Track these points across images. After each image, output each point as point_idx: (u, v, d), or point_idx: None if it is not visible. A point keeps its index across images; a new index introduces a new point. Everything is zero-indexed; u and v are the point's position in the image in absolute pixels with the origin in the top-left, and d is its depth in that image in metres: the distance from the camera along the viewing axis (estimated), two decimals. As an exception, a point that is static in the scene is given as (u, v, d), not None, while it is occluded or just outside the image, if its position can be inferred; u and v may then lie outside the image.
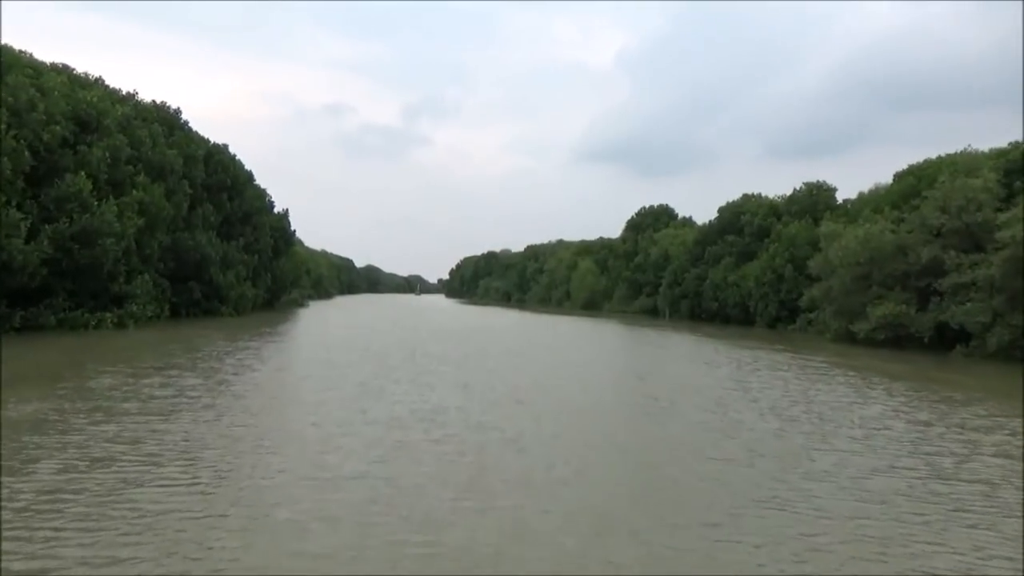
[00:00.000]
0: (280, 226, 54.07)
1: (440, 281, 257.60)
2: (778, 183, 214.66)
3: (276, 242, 52.45)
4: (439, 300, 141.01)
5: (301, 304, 63.04)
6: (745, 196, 60.85)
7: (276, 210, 56.44)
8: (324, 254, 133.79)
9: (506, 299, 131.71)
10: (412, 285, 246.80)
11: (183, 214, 37.52)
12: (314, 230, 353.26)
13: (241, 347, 19.67)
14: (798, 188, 55.51)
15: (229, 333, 25.35)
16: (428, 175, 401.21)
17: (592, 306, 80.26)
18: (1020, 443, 9.96)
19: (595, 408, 12.06)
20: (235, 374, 14.49)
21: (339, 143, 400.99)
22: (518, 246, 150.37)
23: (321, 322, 36.44)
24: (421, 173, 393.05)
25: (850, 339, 30.10)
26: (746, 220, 56.17)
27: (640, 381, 15.50)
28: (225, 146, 46.31)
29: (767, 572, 5.45)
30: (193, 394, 11.90)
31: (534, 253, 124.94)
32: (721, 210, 60.49)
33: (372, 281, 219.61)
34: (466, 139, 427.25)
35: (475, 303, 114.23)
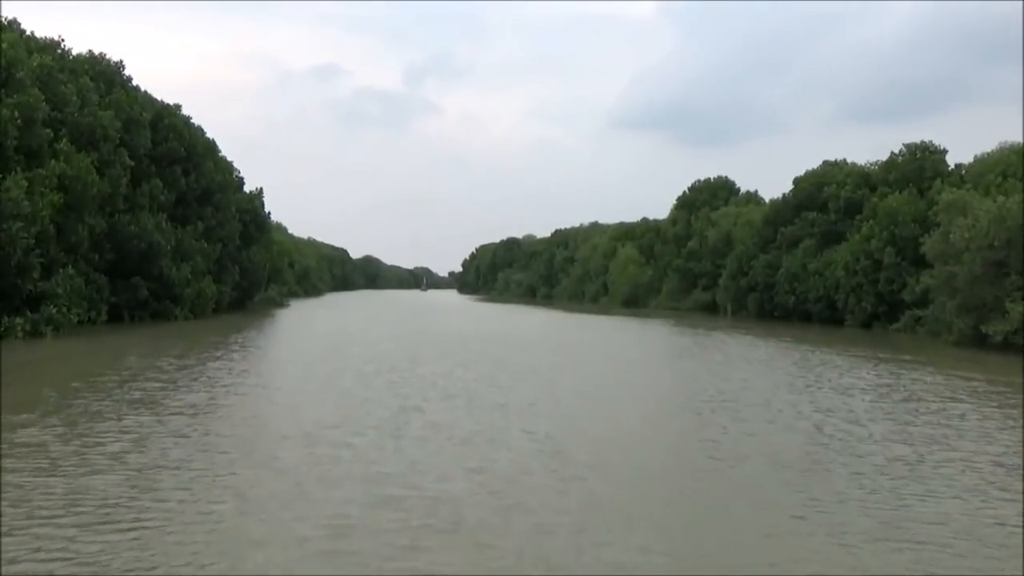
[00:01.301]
0: (251, 207, 52.10)
1: (451, 274, 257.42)
2: (857, 151, 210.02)
3: (246, 227, 50.54)
4: (450, 297, 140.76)
5: (280, 303, 61.77)
6: (827, 164, 58.24)
7: (248, 189, 55.03)
8: (312, 243, 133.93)
9: (530, 294, 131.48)
10: (418, 279, 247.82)
11: (123, 191, 35.47)
12: (300, 215, 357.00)
13: (152, 375, 16.54)
14: (897, 151, 52.27)
15: (158, 345, 23.54)
16: (436, 148, 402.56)
17: (635, 302, 79.80)
18: None
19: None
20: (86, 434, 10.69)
21: (330, 112, 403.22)
22: (544, 231, 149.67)
23: (295, 330, 34.91)
24: (427, 146, 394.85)
25: (978, 342, 28.19)
26: (830, 193, 53.34)
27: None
28: (178, 107, 44.18)
29: None
30: None
31: (563, 239, 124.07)
32: (798, 181, 57.85)
33: (371, 275, 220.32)
34: (481, 105, 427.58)
35: (493, 300, 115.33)
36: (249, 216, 51.45)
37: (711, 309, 65.04)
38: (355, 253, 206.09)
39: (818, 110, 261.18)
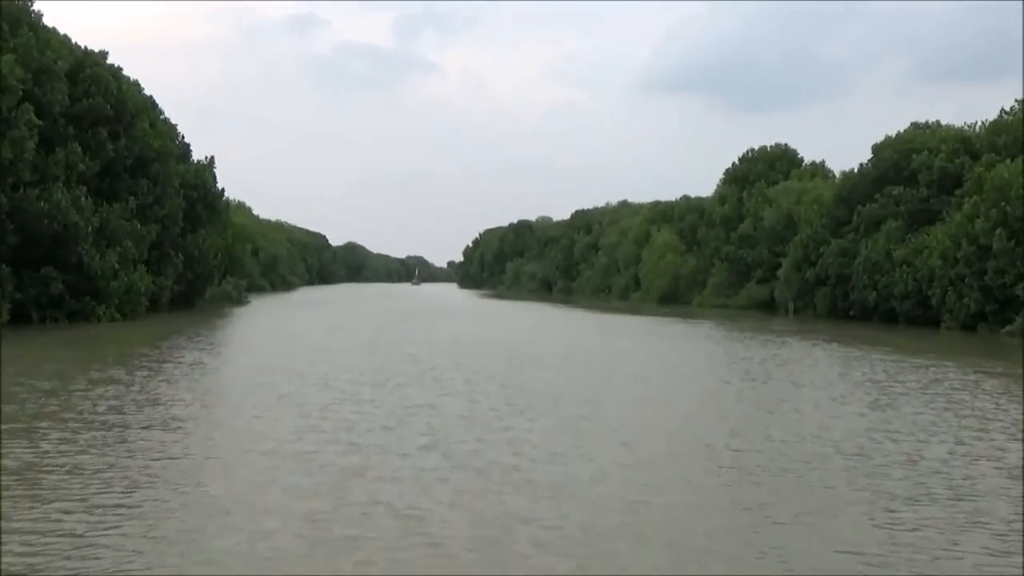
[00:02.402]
0: (199, 181, 49.71)
1: (451, 265, 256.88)
2: (937, 115, 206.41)
3: (193, 206, 48.32)
4: (448, 292, 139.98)
5: (238, 300, 60.25)
6: (915, 127, 56.20)
7: (196, 159, 52.96)
8: (282, 227, 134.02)
9: (545, 289, 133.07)
10: (410, 271, 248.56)
11: (29, 159, 33.04)
12: (268, 193, 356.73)
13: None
14: (1007, 109, 49.50)
15: (40, 360, 20.55)
16: (433, 115, 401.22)
17: (673, 298, 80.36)
18: None
19: None
20: None
21: (306, 71, 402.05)
22: (562, 213, 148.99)
23: (240, 340, 32.56)
24: (423, 112, 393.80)
25: None
26: (920, 162, 51.27)
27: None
28: (103, 55, 41.55)
29: None
30: None
31: (585, 222, 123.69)
32: (878, 149, 56.04)
33: (354, 265, 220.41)
34: (487, 63, 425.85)
35: (500, 296, 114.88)
36: (197, 192, 49.15)
37: (768, 307, 65.17)
38: (335, 239, 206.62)
39: (889, 67, 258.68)
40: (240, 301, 61.13)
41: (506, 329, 39.87)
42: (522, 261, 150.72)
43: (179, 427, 12.79)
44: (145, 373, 19.27)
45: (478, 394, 17.13)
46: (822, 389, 18.78)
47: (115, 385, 17.06)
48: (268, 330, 37.31)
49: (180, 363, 21.65)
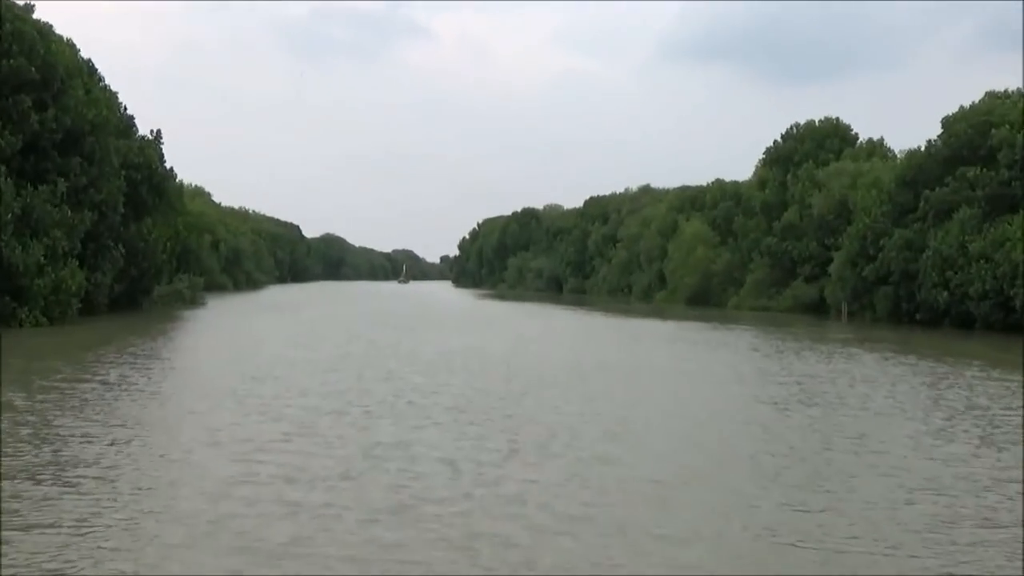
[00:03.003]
0: (144, 160, 48.27)
1: (444, 260, 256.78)
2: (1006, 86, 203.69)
3: (136, 189, 47.14)
4: (441, 291, 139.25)
5: (193, 301, 59.89)
6: (992, 96, 55.05)
7: (142, 134, 51.99)
8: (248, 216, 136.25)
9: (554, 288, 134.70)
10: (397, 267, 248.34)
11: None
12: (232, 177, 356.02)
13: None
14: None
15: None
16: (425, 87, 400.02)
17: (704, 299, 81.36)
18: None
19: None
20: None
21: (278, 36, 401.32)
22: (573, 200, 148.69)
23: (191, 347, 32.02)
24: (413, 84, 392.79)
25: None
26: (1000, 138, 50.26)
27: None
28: (29, 8, 40.03)
29: None
30: None
31: (601, 210, 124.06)
32: (949, 123, 55.49)
33: (333, 260, 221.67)
34: (486, 28, 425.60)
35: (502, 296, 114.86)
36: (141, 173, 47.76)
37: (817, 309, 65.19)
38: (310, 231, 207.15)
39: (951, 33, 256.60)
40: (194, 302, 60.89)
41: (508, 338, 38.51)
42: (527, 256, 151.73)
43: (77, 480, 11.03)
44: (52, 398, 17.58)
45: (469, 427, 15.45)
46: (914, 420, 17.07)
47: (8, 414, 15.28)
48: (220, 339, 36.27)
49: (101, 383, 20.02)
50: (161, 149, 52.11)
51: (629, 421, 16.60)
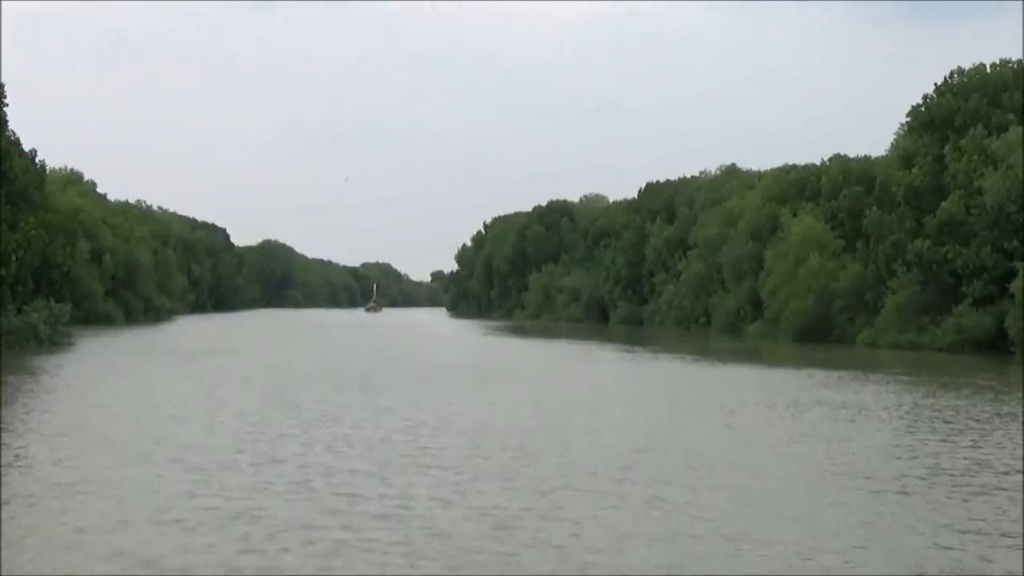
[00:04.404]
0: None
1: (436, 278, 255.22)
2: None
3: None
4: (431, 322, 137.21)
5: (52, 341, 59.52)
6: None
7: None
8: (150, 215, 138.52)
9: (597, 316, 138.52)
10: (366, 287, 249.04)
11: None
12: (128, 160, 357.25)
13: None
14: None
15: None
16: (410, 36, 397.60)
17: (821, 331, 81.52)
18: None
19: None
20: None
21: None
22: (622, 188, 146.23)
23: (11, 428, 29.33)
24: (394, 33, 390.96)
25: None
26: None
27: None
28: None
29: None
30: None
31: (664, 202, 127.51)
32: None
33: (274, 279, 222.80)
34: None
35: (521, 330, 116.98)
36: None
37: (995, 346, 64.33)
38: (243, 236, 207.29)
39: None
40: (55, 342, 60.73)
41: (545, 427, 34.56)
42: (556, 270, 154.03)
43: None
44: None
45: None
46: None
47: None
48: (67, 412, 33.31)
49: None
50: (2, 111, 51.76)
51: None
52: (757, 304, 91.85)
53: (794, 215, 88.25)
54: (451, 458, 24.15)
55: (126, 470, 22.23)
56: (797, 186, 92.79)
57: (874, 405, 37.13)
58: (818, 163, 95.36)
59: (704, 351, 71.70)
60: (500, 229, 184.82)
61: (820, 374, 50.36)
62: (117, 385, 42.91)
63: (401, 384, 44.13)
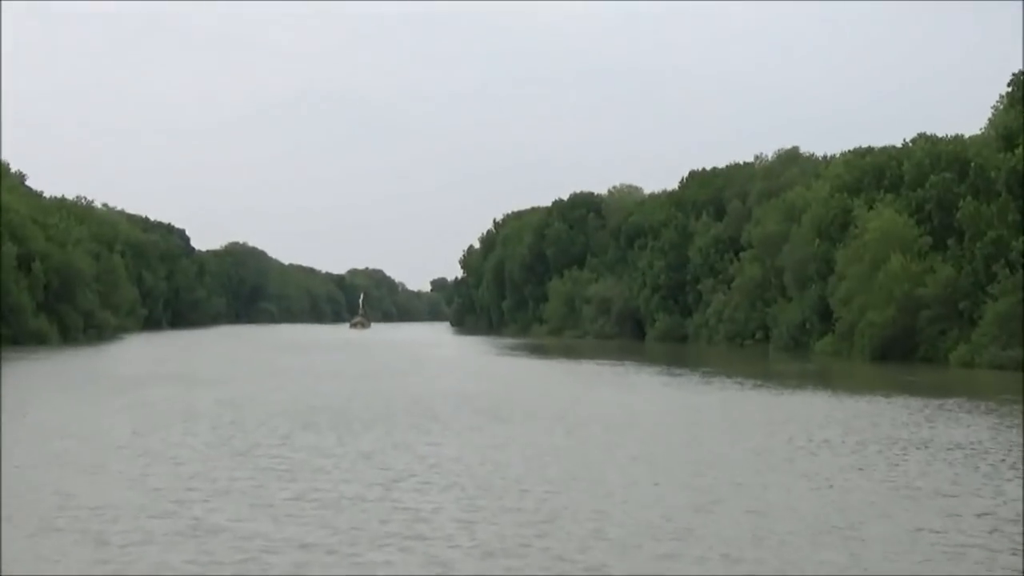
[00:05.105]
0: None
1: (438, 287, 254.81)
2: None
3: None
4: (432, 339, 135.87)
5: None
6: None
7: None
8: (92, 214, 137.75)
9: (631, 330, 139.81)
10: (354, 298, 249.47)
11: None
12: (63, 150, 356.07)
13: None
14: None
15: None
16: None
17: (905, 348, 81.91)
18: None
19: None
20: None
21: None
22: (661, 178, 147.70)
23: None
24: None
25: None
26: None
27: None
28: None
29: None
30: None
31: (711, 193, 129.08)
32: None
33: (247, 289, 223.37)
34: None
35: (540, 349, 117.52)
36: None
37: None
38: (206, 239, 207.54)
39: None
40: None
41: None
42: (581, 275, 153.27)
43: None
44: None
45: None
46: None
47: None
48: None
49: None
50: None
51: None
52: (826, 316, 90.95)
53: (870, 207, 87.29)
54: (442, 526, 22.72)
55: (13, 545, 20.87)
56: (874, 173, 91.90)
57: (994, 445, 35.70)
58: (899, 145, 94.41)
59: (764, 374, 71.16)
60: (514, 228, 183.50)
61: (914, 403, 49.60)
62: (28, 424, 41.56)
63: (386, 421, 42.91)
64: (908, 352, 78.97)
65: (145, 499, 25.97)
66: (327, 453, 33.26)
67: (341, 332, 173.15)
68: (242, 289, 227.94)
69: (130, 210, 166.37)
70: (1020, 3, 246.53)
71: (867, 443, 36.51)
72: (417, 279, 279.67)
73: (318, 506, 24.70)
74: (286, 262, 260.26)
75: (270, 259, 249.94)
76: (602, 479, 28.58)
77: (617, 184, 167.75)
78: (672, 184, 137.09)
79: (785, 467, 31.80)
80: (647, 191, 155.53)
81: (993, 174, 75.93)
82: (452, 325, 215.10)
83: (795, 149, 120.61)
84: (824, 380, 65.85)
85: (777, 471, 30.81)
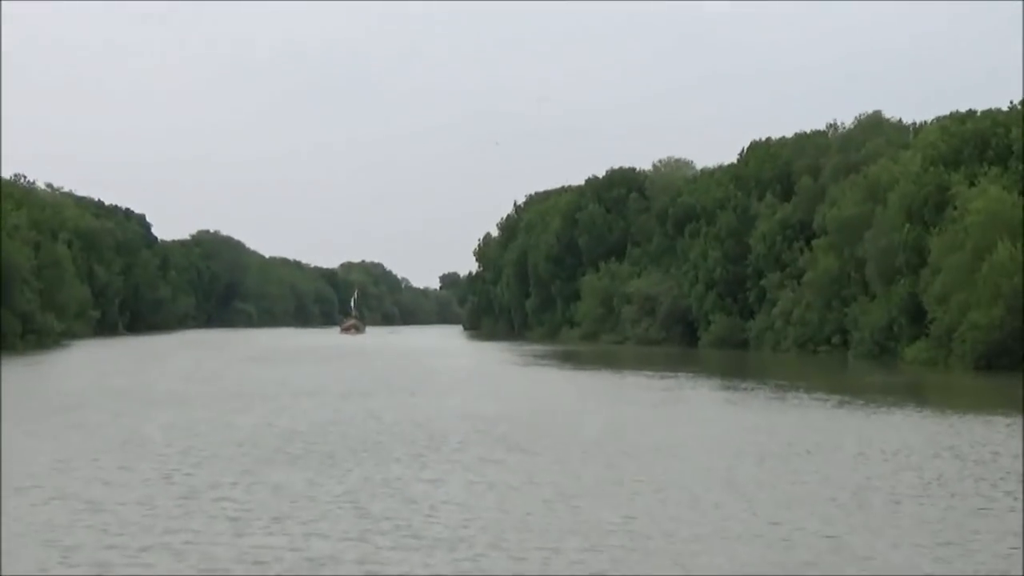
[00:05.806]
0: None
1: (447, 283, 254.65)
2: None
3: None
4: (439, 346, 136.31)
5: None
6: None
7: None
8: (32, 195, 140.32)
9: (681, 333, 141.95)
10: (347, 296, 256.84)
11: None
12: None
13: None
14: None
15: None
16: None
17: (1013, 358, 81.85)
18: None
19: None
20: None
21: None
22: (715, 151, 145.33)
23: None
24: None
25: None
26: None
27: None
28: None
29: None
30: None
31: (776, 169, 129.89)
32: None
33: (221, 286, 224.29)
34: None
35: (574, 358, 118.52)
36: None
37: None
38: (172, 227, 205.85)
39: None
40: None
41: None
42: (620, 269, 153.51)
43: None
44: None
45: None
46: None
47: None
48: None
49: None
50: None
51: None
52: (918, 316, 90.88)
53: (971, 184, 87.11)
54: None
55: None
56: (975, 142, 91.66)
57: None
58: (1005, 108, 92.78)
59: (848, 388, 69.94)
60: (539, 211, 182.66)
61: None
62: None
63: (375, 453, 41.50)
64: (1018, 360, 77.51)
65: (43, 557, 24.30)
66: (294, 495, 31.70)
67: (331, 337, 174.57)
68: (214, 286, 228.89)
69: (79, 192, 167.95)
70: None
71: (994, 481, 34.20)
72: (423, 274, 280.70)
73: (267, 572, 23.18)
74: (267, 254, 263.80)
75: (247, 251, 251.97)
76: (661, 532, 26.49)
77: (663, 157, 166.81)
78: (730, 158, 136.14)
79: (891, 515, 29.22)
80: (699, 166, 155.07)
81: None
82: (465, 329, 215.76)
83: (878, 114, 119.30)
84: (921, 396, 65.04)
85: (885, 521, 28.30)
